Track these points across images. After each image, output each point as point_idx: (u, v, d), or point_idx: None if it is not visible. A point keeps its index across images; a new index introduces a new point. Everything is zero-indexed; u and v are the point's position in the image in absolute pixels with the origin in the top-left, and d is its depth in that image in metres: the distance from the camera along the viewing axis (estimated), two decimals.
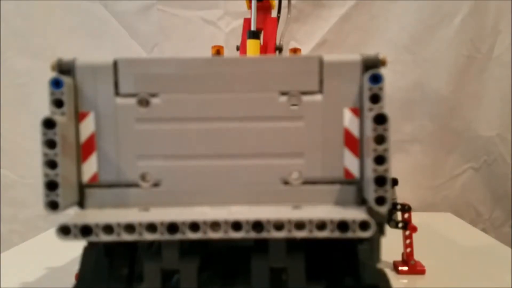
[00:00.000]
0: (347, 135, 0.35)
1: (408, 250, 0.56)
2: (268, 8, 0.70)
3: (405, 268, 0.56)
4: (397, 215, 0.56)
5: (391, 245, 0.48)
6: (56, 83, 0.33)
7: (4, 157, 0.97)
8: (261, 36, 0.67)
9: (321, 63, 0.35)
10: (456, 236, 0.74)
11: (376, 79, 0.32)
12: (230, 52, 0.82)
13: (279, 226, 0.31)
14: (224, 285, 0.36)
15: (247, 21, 0.67)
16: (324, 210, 0.34)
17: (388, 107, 0.32)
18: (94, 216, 0.33)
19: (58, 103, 0.33)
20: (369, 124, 0.31)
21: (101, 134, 0.35)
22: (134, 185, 0.35)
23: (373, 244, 0.34)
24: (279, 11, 0.74)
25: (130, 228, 0.31)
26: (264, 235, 0.30)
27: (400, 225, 0.55)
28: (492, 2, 0.92)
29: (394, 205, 0.55)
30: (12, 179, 0.97)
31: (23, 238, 0.79)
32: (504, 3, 0.93)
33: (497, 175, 0.98)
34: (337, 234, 0.30)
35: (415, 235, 0.56)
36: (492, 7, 0.93)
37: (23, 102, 0.94)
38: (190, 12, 0.94)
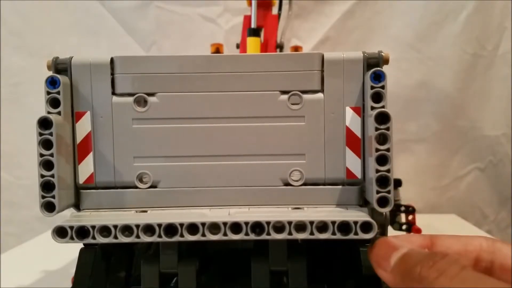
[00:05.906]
0: (349, 134, 0.34)
1: None
2: (269, 5, 0.70)
3: None
4: (401, 217, 0.55)
5: None
6: (52, 82, 0.33)
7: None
8: (262, 33, 0.66)
9: (322, 60, 0.34)
10: None
11: (379, 77, 0.32)
12: (229, 50, 0.82)
13: (279, 227, 0.30)
14: None
15: (247, 18, 0.66)
16: (326, 211, 0.33)
17: (392, 106, 0.31)
18: (91, 218, 0.32)
19: (54, 103, 0.33)
20: (371, 123, 0.31)
21: (98, 134, 0.34)
22: (131, 186, 0.35)
23: None
24: (280, 8, 0.74)
25: (127, 230, 0.30)
26: (264, 237, 0.30)
27: (404, 227, 0.54)
28: None
29: (398, 207, 0.54)
30: (8, 181, 0.96)
31: (19, 241, 0.78)
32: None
33: (503, 176, 0.96)
34: (338, 236, 0.29)
35: None
36: (498, 4, 0.91)
37: (19, 101, 0.94)
38: (188, 9, 0.93)
